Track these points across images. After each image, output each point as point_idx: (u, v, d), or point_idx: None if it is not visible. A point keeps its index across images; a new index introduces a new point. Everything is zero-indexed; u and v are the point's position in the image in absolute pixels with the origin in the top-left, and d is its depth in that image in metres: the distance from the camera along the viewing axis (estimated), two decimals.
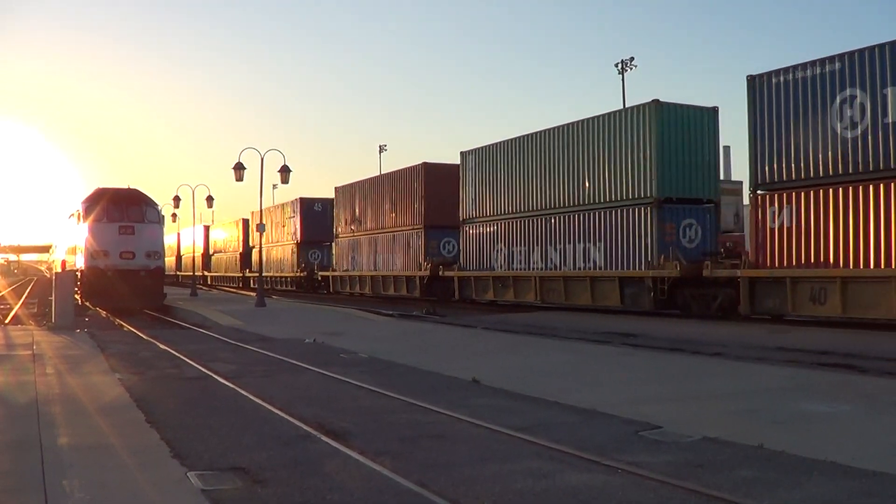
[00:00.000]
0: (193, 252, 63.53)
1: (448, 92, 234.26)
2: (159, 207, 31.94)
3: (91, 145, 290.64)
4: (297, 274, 45.96)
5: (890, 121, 16.50)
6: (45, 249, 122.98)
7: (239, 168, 29.83)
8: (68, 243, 36.09)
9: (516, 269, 26.89)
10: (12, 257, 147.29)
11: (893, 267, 16.03)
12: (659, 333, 17.56)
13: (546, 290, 25.55)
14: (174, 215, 49.04)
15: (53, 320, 19.79)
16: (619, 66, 56.04)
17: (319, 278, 43.49)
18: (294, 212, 46.82)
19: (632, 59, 56.26)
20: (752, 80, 19.32)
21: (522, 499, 5.24)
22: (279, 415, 8.17)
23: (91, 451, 6.60)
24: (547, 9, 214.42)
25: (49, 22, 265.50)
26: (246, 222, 54.27)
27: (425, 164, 33.64)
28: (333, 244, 42.67)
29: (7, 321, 22.86)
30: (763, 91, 19.03)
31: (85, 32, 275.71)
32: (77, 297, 26.62)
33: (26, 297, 36.53)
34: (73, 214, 33.50)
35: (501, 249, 27.69)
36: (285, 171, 29.94)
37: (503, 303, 28.13)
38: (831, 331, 17.06)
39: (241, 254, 55.12)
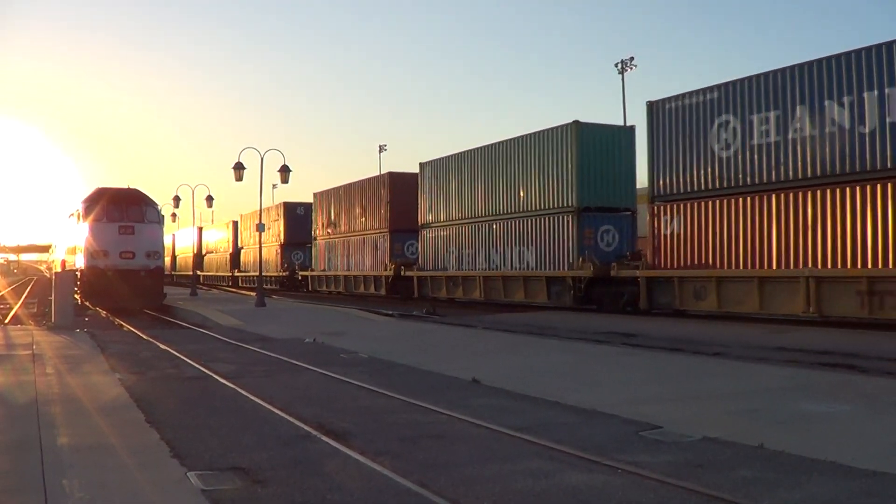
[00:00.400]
0: (194, 251, 65.29)
1: (448, 92, 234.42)
2: (159, 207, 31.94)
3: (91, 145, 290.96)
4: (281, 273, 48.54)
5: (755, 143, 19.40)
6: (45, 249, 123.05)
7: (238, 168, 29.83)
8: (68, 243, 36.07)
9: (465, 270, 30.01)
10: (12, 257, 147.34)
11: (756, 268, 18.98)
12: (659, 333, 17.56)
13: (489, 288, 28.50)
14: (174, 215, 49.14)
15: (53, 320, 19.78)
16: (619, 66, 56.13)
17: (300, 277, 45.95)
18: (278, 215, 49.48)
19: (632, 58, 56.46)
20: (650, 105, 22.35)
21: (522, 499, 5.24)
22: (279, 415, 8.17)
23: (91, 451, 6.59)
24: (547, 9, 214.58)
25: (49, 21, 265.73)
26: (236, 224, 57.68)
27: (391, 174, 37.03)
28: (312, 246, 45.33)
29: (7, 321, 22.87)
30: (659, 115, 21.99)
31: (85, 32, 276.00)
32: (77, 296, 26.62)
33: (26, 297, 36.54)
34: (72, 214, 33.49)
35: (453, 252, 30.94)
36: (285, 171, 29.95)
37: (459, 300, 30.82)
38: (831, 331, 17.07)
39: (230, 254, 58.00)
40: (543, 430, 7.30)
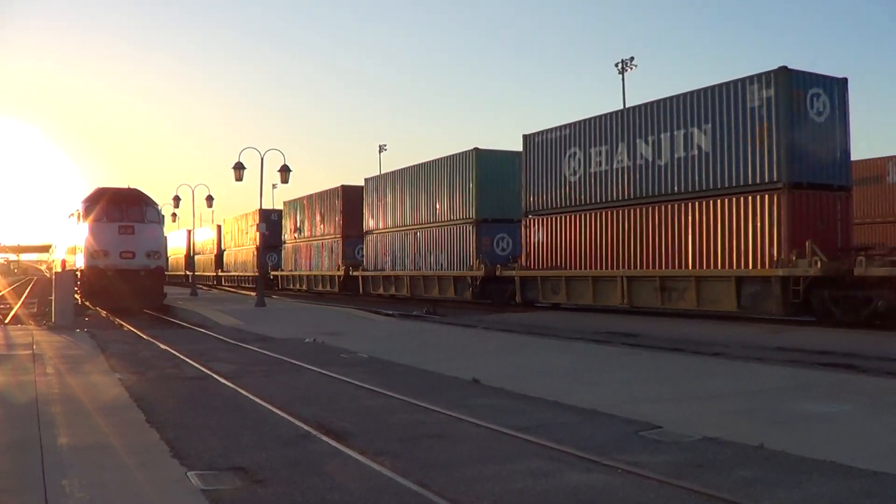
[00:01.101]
0: (185, 252, 68.78)
1: (448, 91, 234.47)
2: (159, 207, 31.92)
3: (91, 145, 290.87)
4: (256, 273, 51.57)
5: (593, 171, 25.08)
6: (45, 249, 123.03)
7: (239, 168, 29.84)
8: (68, 243, 36.08)
9: (396, 270, 35.59)
10: (12, 257, 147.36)
11: (590, 269, 24.68)
12: (659, 333, 17.57)
13: (413, 285, 34.21)
14: (174, 215, 49.19)
15: (53, 320, 19.79)
16: (619, 66, 56.11)
17: (272, 277, 50.22)
18: (255, 221, 51.95)
19: (632, 58, 56.46)
20: (525, 137, 28.18)
21: (522, 499, 5.24)
22: (279, 414, 8.17)
23: (91, 451, 6.60)
24: (547, 9, 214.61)
25: (49, 21, 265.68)
26: (220, 228, 63.15)
27: (343, 187, 42.16)
28: (283, 249, 51.10)
29: (7, 321, 22.87)
30: (531, 146, 27.78)
31: (85, 32, 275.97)
32: (77, 296, 26.62)
33: (26, 297, 36.56)
34: (72, 214, 33.48)
35: (389, 255, 36.56)
36: (285, 171, 29.97)
37: (394, 295, 35.82)
38: (831, 331, 17.08)
39: (215, 255, 62.85)
40: (543, 430, 7.31)
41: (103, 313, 26.55)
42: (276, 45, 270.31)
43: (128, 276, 28.08)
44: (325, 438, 7.02)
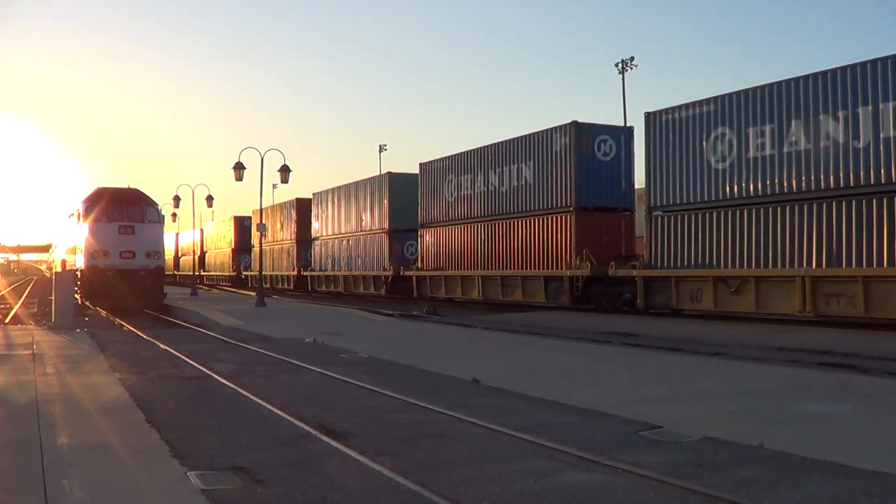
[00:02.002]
0: (174, 254, 75.55)
1: (448, 91, 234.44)
2: (159, 207, 31.91)
3: (91, 144, 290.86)
4: (232, 273, 59.56)
5: (463, 193, 31.20)
6: (45, 249, 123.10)
7: (239, 168, 29.83)
8: (68, 243, 36.09)
9: (335, 271, 42.50)
10: (12, 257, 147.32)
11: (460, 270, 31.41)
12: (659, 333, 17.57)
13: (347, 283, 41.06)
14: (174, 215, 49.14)
15: (53, 320, 19.80)
16: (619, 66, 56.10)
17: (244, 276, 56.68)
18: (230, 227, 60.60)
19: (632, 58, 56.43)
20: (421, 165, 33.88)
21: (522, 499, 5.24)
22: (279, 414, 8.17)
23: (91, 450, 6.60)
24: (547, 9, 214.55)
25: (50, 20, 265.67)
26: (202, 231, 68.53)
27: (297, 199, 48.63)
28: (252, 251, 56.39)
29: (7, 321, 22.87)
30: (424, 171, 34.10)
31: (86, 31, 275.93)
32: (77, 296, 26.62)
33: (26, 297, 36.55)
34: (73, 214, 33.49)
35: (330, 257, 43.54)
36: (285, 171, 29.96)
37: (332, 292, 42.24)
38: (831, 331, 17.09)
39: (198, 256, 67.58)
40: (543, 429, 7.31)
41: (103, 313, 26.55)
42: (277, 44, 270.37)
43: (128, 275, 28.08)
44: (325, 438, 7.02)
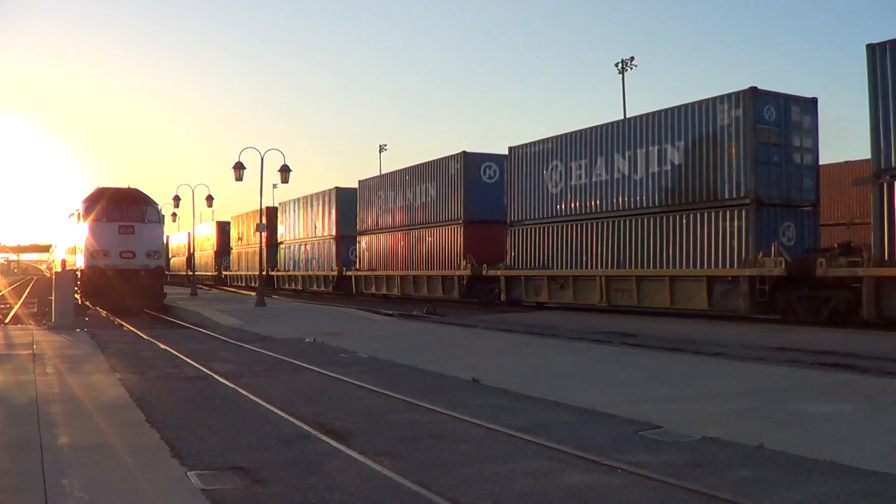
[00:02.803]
0: (166, 254, 79.62)
1: (449, 91, 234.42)
2: (159, 207, 31.90)
3: (92, 144, 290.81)
4: (214, 273, 65.65)
5: (390, 206, 37.56)
6: (45, 249, 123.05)
7: (239, 168, 29.84)
8: (68, 243, 36.08)
9: (296, 271, 48.88)
10: (12, 257, 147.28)
11: (389, 270, 37.37)
12: (659, 333, 17.58)
13: (304, 282, 47.33)
14: (174, 215, 49.22)
15: (53, 320, 19.79)
16: (619, 66, 56.09)
17: (223, 276, 62.87)
18: (213, 231, 66.67)
19: (632, 58, 56.41)
20: (360, 182, 41.58)
21: (522, 499, 5.24)
22: (279, 414, 8.17)
23: (91, 450, 6.60)
24: (547, 9, 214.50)
25: (50, 20, 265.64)
26: (190, 234, 70.86)
27: (268, 208, 51.62)
28: (230, 254, 63.80)
29: (7, 321, 22.86)
30: (361, 186, 41.54)
31: (86, 30, 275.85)
32: (77, 296, 26.62)
33: (26, 297, 36.51)
34: (73, 214, 33.47)
35: (292, 259, 50.01)
36: (285, 171, 29.99)
37: (292, 289, 48.66)
38: (831, 331, 17.08)
39: (186, 258, 72.76)
40: (543, 430, 7.31)
41: (103, 313, 26.55)
42: (277, 44, 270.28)
43: (128, 275, 28.07)
44: (325, 438, 7.02)
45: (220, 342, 16.57)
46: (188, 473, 5.85)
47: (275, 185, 58.92)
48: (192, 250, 69.93)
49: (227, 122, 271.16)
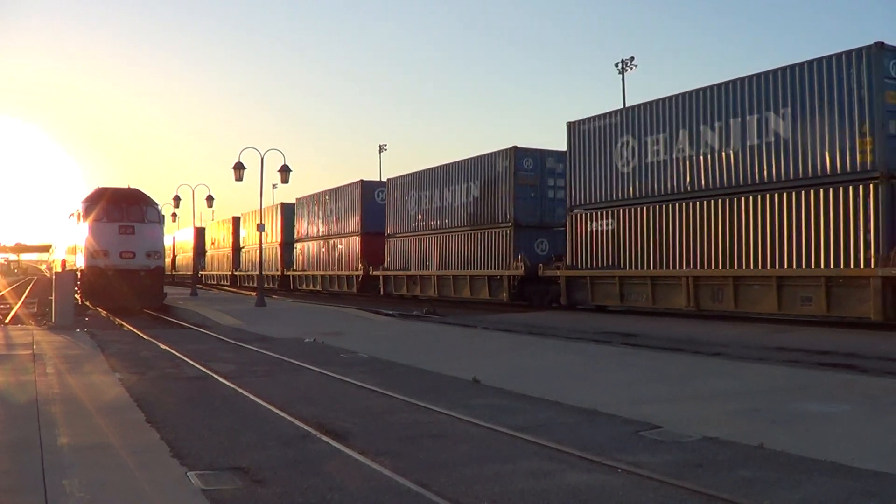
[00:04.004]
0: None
1: (449, 91, 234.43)
2: (159, 207, 31.91)
3: (91, 144, 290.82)
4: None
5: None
6: (45, 249, 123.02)
7: (239, 168, 29.83)
8: (68, 243, 36.08)
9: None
10: (12, 257, 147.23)
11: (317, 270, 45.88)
12: (659, 333, 17.58)
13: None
14: (174, 215, 49.20)
15: (53, 320, 19.78)
16: (619, 66, 56.10)
17: (201, 275, 65.45)
18: (191, 236, 69.99)
19: (632, 58, 56.46)
20: (298, 199, 46.60)
21: (522, 499, 5.24)
22: (279, 414, 8.17)
23: (91, 451, 6.59)
24: (547, 9, 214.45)
25: (50, 20, 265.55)
26: (174, 238, 74.74)
27: (234, 217, 61.01)
28: (206, 256, 70.12)
29: (7, 321, 22.85)
30: (298, 204, 45.92)
31: (86, 31, 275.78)
32: (77, 296, 26.61)
33: (26, 297, 36.51)
34: (73, 214, 33.47)
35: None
36: (285, 171, 29.97)
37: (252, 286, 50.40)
38: (831, 331, 17.08)
39: (171, 258, 75.27)
40: (543, 430, 7.30)
41: (103, 313, 26.54)
42: (277, 44, 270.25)
43: (128, 276, 28.07)
44: (325, 438, 7.02)
45: (220, 342, 16.56)
46: (188, 473, 5.85)
47: (275, 185, 59.03)
48: (174, 252, 71.53)
49: (227, 122, 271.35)
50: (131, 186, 32.00)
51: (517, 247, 28.13)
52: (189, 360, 12.81)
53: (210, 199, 43.30)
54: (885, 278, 16.31)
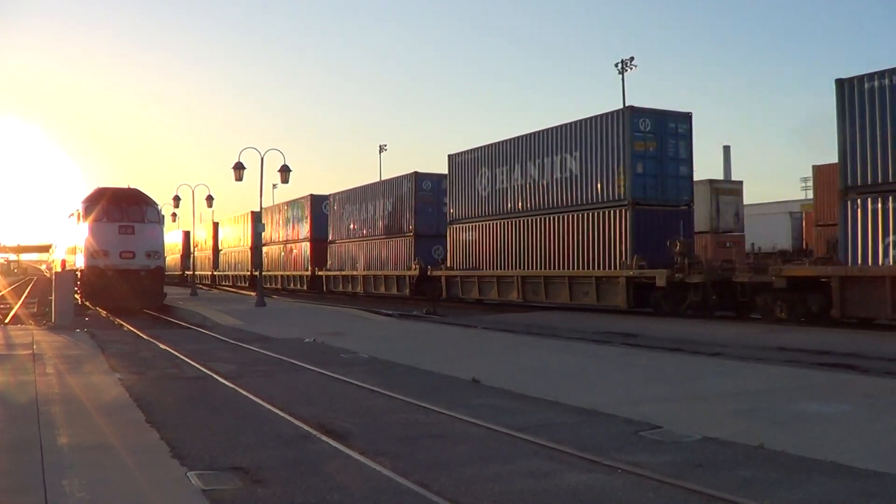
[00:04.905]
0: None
1: (449, 91, 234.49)
2: (159, 207, 31.91)
3: (91, 144, 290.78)
4: (180, 273, 71.35)
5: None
6: (45, 249, 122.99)
7: (239, 168, 29.82)
8: (68, 243, 36.07)
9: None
10: (12, 257, 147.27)
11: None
12: (659, 333, 17.58)
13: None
14: (174, 215, 49.17)
15: (53, 320, 19.79)
16: (619, 66, 56.05)
17: (185, 275, 66.61)
18: (179, 238, 72.31)
19: (632, 58, 56.33)
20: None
21: (522, 499, 5.24)
22: (279, 414, 8.17)
23: (91, 451, 6.60)
24: (547, 9, 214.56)
25: (50, 20, 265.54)
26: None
27: (214, 223, 65.95)
28: (192, 256, 71.19)
29: (7, 321, 22.86)
30: (254, 216, 44.22)
31: (86, 31, 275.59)
32: (77, 296, 26.62)
33: (26, 297, 36.52)
34: (73, 214, 33.47)
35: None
36: (285, 171, 29.97)
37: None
38: (831, 331, 17.08)
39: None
40: (543, 430, 7.31)
41: (103, 313, 26.54)
42: (276, 44, 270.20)
43: (128, 276, 28.07)
44: (325, 438, 7.02)
45: (220, 342, 16.57)
46: (188, 473, 5.85)
47: (275, 186, 58.95)
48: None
49: (227, 122, 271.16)
50: (131, 186, 32.03)
51: (416, 252, 34.00)
52: (189, 361, 12.82)
53: (210, 198, 43.31)
54: (627, 277, 22.70)
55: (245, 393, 9.55)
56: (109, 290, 27.76)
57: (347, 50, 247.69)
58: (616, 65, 56.48)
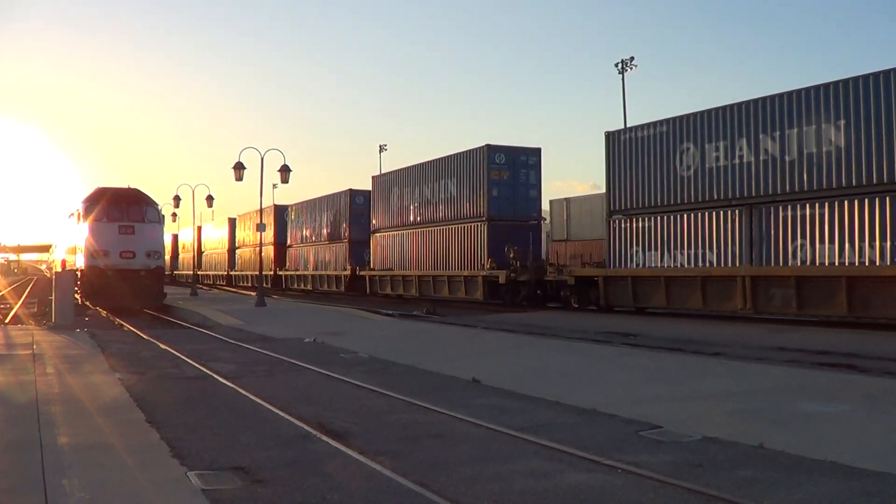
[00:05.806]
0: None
1: (448, 91, 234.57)
2: (159, 207, 31.90)
3: (91, 145, 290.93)
4: (169, 273, 71.91)
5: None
6: (45, 249, 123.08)
7: (239, 168, 29.83)
8: (68, 243, 36.08)
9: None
10: (12, 257, 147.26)
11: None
12: (659, 333, 17.58)
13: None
14: (174, 215, 49.20)
15: (53, 320, 19.79)
16: (619, 66, 56.05)
17: (174, 274, 72.09)
18: (168, 241, 70.64)
19: (632, 58, 56.37)
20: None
21: (522, 499, 5.24)
22: (279, 414, 8.17)
23: (91, 450, 6.60)
24: (547, 9, 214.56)
25: (49, 21, 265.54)
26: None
27: (198, 227, 69.53)
28: (179, 258, 77.34)
29: (7, 321, 22.85)
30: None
31: (86, 32, 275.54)
32: (77, 296, 26.61)
33: (26, 297, 36.50)
34: (73, 214, 33.47)
35: (213, 265, 63.67)
36: (285, 171, 29.98)
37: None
38: (831, 331, 17.10)
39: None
40: (543, 429, 7.31)
41: (103, 313, 26.54)
42: (277, 45, 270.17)
43: (128, 275, 28.07)
44: (325, 438, 7.02)
45: (220, 342, 16.56)
46: (188, 473, 5.85)
47: (275, 185, 58.94)
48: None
49: (227, 122, 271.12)
50: (131, 186, 32.03)
51: (351, 255, 41.63)
52: (189, 360, 12.82)
53: (210, 198, 43.33)
54: (483, 276, 29.77)
55: (245, 393, 9.55)
56: (109, 290, 27.77)
57: (347, 50, 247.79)
58: (616, 65, 56.57)
